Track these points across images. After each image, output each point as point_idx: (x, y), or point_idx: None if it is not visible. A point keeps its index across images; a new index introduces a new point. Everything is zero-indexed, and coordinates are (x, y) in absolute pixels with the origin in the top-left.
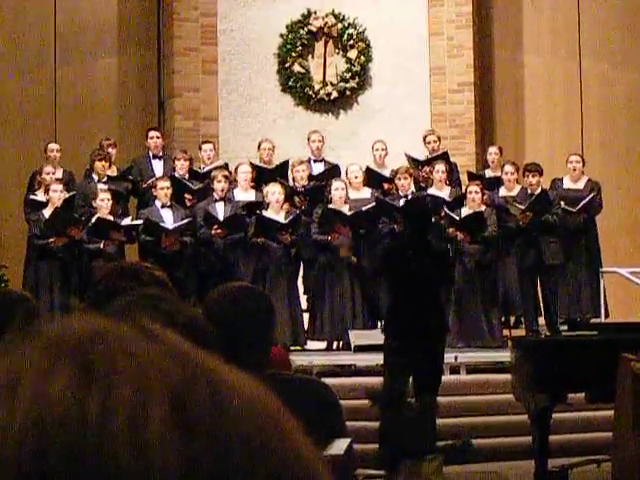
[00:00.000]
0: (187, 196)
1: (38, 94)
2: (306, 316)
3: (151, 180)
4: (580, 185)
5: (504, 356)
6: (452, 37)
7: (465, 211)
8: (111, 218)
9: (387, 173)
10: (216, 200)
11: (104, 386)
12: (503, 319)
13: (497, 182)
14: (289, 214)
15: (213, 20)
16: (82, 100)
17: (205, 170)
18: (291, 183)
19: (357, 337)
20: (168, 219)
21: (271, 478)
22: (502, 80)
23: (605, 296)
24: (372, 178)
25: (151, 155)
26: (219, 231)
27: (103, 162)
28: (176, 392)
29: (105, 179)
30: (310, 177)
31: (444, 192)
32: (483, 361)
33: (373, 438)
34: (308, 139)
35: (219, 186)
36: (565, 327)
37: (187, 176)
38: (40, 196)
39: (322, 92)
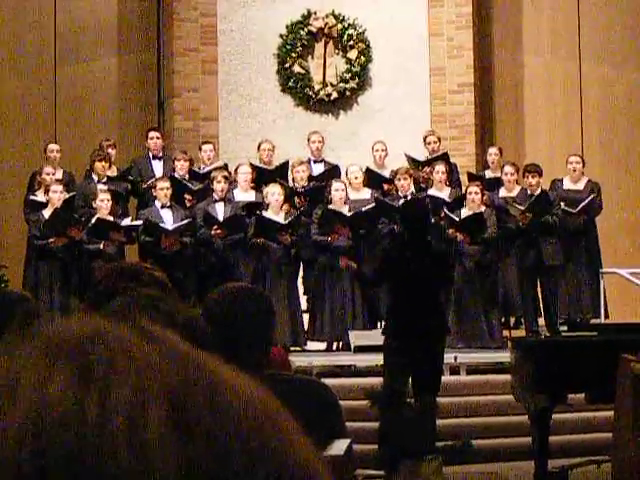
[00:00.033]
0: (187, 196)
1: (38, 94)
2: (306, 317)
3: (151, 180)
4: (580, 186)
5: (504, 357)
6: (452, 38)
7: (465, 212)
8: (111, 219)
9: (387, 174)
10: (216, 200)
11: (103, 387)
12: (503, 320)
13: (497, 183)
14: (289, 215)
15: (213, 20)
16: (82, 100)
17: (205, 171)
18: (291, 184)
19: (357, 338)
20: (168, 220)
21: (271, 478)
22: (502, 81)
23: (605, 297)
24: (372, 179)
25: (151, 155)
26: (219, 231)
27: (103, 163)
28: (175, 393)
29: (105, 180)
30: (310, 178)
31: (444, 193)
32: (483, 362)
33: (373, 438)
34: (308, 140)
35: (219, 187)
36: (565, 328)
37: (187, 176)
38: (40, 196)
39: (322, 92)
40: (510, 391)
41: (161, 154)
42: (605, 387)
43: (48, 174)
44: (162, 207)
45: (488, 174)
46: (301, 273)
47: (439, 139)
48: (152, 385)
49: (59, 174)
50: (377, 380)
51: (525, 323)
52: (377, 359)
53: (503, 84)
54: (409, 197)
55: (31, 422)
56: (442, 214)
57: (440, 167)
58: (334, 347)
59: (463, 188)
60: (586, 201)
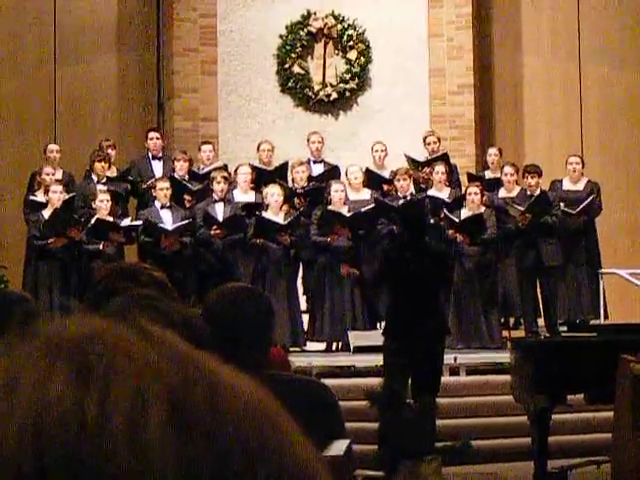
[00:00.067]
0: (186, 197)
1: (38, 94)
2: (305, 317)
3: (150, 181)
4: (579, 186)
5: (503, 357)
6: (452, 38)
7: (465, 212)
8: (110, 219)
9: (387, 174)
10: (215, 201)
11: (103, 387)
12: (502, 320)
13: (497, 183)
14: (288, 215)
15: (213, 21)
16: (82, 101)
17: (204, 171)
18: (290, 184)
19: (356, 338)
20: (167, 220)
21: (270, 479)
22: (502, 81)
23: (604, 297)
24: (372, 179)
25: (150, 156)
26: (218, 232)
27: (102, 163)
28: (175, 393)
29: (104, 180)
30: (309, 178)
31: (444, 193)
32: (482, 362)
33: (372, 439)
34: (308, 140)
35: (218, 187)
36: (564, 328)
37: (186, 177)
38: (40, 197)
39: (322, 93)
40: (510, 392)
41: (161, 154)
42: (604, 387)
43: (48, 174)
44: (162, 207)
45: (488, 175)
46: (301, 273)
47: (439, 140)
48: (152, 385)
49: (59, 174)
50: (377, 380)
51: (525, 324)
52: (376, 359)
53: (503, 85)
54: (409, 198)
55: (31, 422)
56: (442, 215)
57: (440, 168)
58: (333, 347)
59: (463, 189)
60: (586, 202)
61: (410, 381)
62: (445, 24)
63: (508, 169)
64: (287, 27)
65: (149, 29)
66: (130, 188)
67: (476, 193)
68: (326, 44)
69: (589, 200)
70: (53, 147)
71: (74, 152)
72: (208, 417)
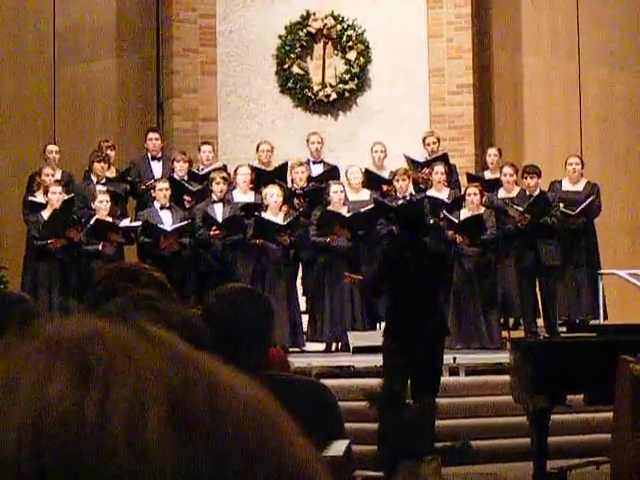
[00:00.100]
0: (186, 197)
1: (37, 95)
2: (305, 317)
3: (150, 181)
4: (579, 187)
5: (503, 357)
6: (451, 39)
7: (464, 213)
8: (110, 219)
9: (386, 175)
10: (215, 201)
11: (102, 387)
12: (502, 320)
13: (496, 184)
14: (288, 216)
15: (212, 21)
16: (81, 101)
17: (204, 172)
18: (290, 185)
19: (356, 338)
20: (167, 220)
21: (270, 479)
22: (501, 81)
23: (604, 298)
24: (371, 180)
25: (150, 156)
26: (218, 232)
27: (102, 163)
28: (175, 393)
29: (104, 180)
30: (309, 179)
31: (443, 194)
32: (482, 362)
33: (372, 439)
34: (307, 140)
35: (218, 187)
36: (564, 329)
37: (186, 177)
38: (39, 197)
39: (321, 93)
40: (509, 392)
41: (160, 155)
42: (604, 388)
43: (47, 175)
44: (161, 208)
45: (487, 175)
46: (300, 274)
47: (438, 140)
48: (151, 385)
49: (58, 175)
50: (376, 381)
51: (524, 324)
52: (376, 360)
53: (502, 85)
54: (408, 198)
55: (31, 422)
56: (441, 215)
57: (439, 168)
58: (333, 348)
59: (462, 189)
60: (585, 203)
61: (410, 381)
62: (445, 24)
63: (507, 169)
64: (286, 27)
65: (148, 30)
66: (129, 189)
67: (475, 193)
68: (325, 44)
69: (588, 201)
70: (52, 148)
71: (73, 152)
72: (208, 417)
